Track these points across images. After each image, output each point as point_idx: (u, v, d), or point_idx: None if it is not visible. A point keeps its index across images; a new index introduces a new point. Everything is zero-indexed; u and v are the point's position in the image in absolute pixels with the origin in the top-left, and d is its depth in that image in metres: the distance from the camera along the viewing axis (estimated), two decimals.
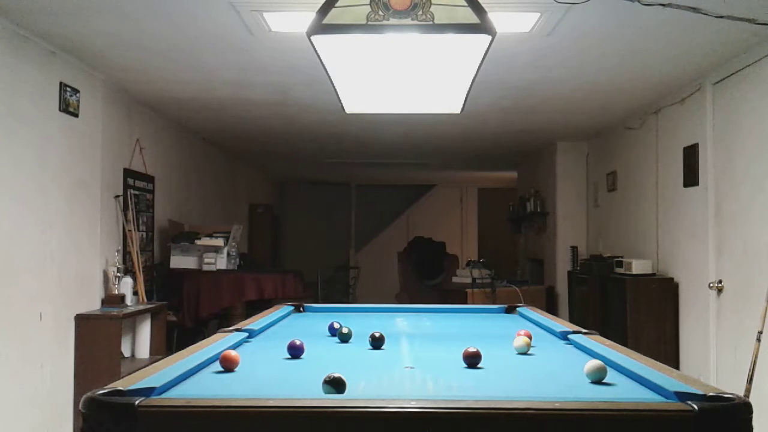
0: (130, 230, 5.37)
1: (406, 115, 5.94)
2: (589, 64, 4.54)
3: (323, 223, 12.96)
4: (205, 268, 6.27)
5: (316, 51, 2.50)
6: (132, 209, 5.43)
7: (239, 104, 5.81)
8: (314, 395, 1.74)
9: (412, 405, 1.60)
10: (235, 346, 2.49)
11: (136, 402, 1.59)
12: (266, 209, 10.49)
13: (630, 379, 2.01)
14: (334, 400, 1.68)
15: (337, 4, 2.27)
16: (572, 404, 1.62)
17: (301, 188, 13.06)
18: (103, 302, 4.91)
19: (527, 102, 5.68)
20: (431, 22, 2.26)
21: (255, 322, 3.09)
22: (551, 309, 7.20)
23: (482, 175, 11.66)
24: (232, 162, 9.14)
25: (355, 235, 13.28)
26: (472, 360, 2.21)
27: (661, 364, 2.13)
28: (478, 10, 2.27)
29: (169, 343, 5.67)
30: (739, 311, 4.30)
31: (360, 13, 2.26)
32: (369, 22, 2.26)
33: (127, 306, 4.94)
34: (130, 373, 1.99)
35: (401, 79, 2.92)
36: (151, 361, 4.95)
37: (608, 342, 2.59)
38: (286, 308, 3.75)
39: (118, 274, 4.98)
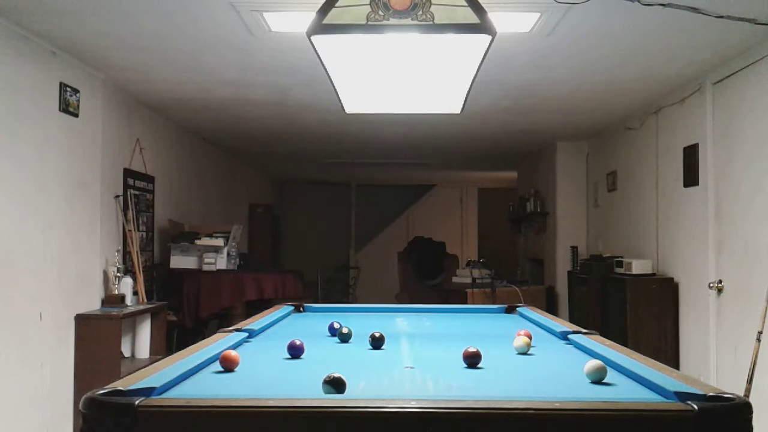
0: (130, 230, 5.37)
1: (406, 115, 5.94)
2: (589, 64, 4.53)
3: (323, 223, 12.96)
4: (205, 268, 6.27)
5: (316, 51, 2.50)
6: (132, 209, 5.43)
7: (239, 104, 5.81)
8: (314, 395, 1.74)
9: (412, 405, 1.60)
10: (235, 346, 2.49)
11: (136, 402, 1.59)
12: (266, 209, 10.49)
13: (630, 379, 2.01)
14: (334, 400, 1.68)
15: (337, 4, 2.27)
16: (572, 404, 1.62)
17: (301, 188, 13.06)
18: (103, 302, 4.91)
19: (527, 102, 5.68)
20: (431, 22, 2.26)
21: (255, 322, 3.09)
22: (551, 309, 7.20)
23: (482, 175, 11.66)
24: (232, 162, 9.14)
25: (355, 235, 13.28)
26: (472, 360, 2.21)
27: (661, 364, 2.13)
28: (478, 10, 2.27)
29: (169, 343, 5.67)
30: (739, 311, 4.30)
31: (360, 13, 2.26)
32: (369, 22, 2.26)
33: (127, 306, 4.94)
34: (130, 373, 1.99)
35: (401, 79, 2.91)
36: (151, 361, 4.95)
37: (608, 342, 2.59)
38: (286, 308, 3.75)
39: (118, 274, 4.98)
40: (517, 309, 3.85)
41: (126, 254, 5.36)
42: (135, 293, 5.26)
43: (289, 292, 6.39)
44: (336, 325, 2.91)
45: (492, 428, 1.58)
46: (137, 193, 5.67)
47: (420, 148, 8.50)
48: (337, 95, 3.14)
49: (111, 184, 5.14)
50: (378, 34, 2.30)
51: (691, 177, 4.98)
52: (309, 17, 2.36)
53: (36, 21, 3.74)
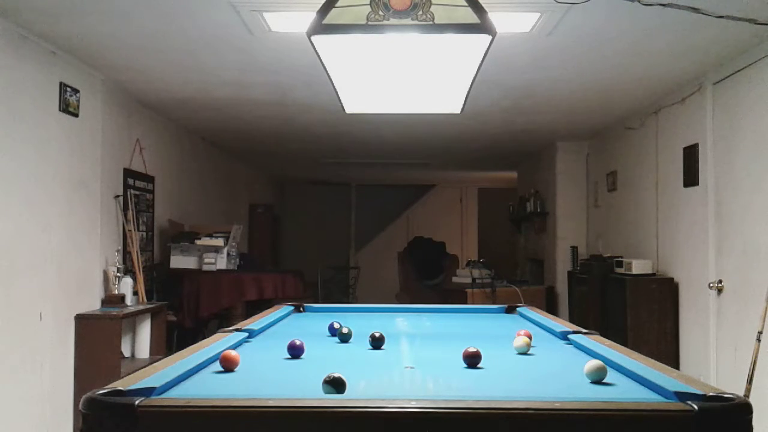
0: (130, 230, 5.37)
1: (406, 115, 5.94)
2: (589, 64, 4.53)
3: (323, 223, 12.96)
4: (205, 268, 6.27)
5: (316, 51, 2.50)
6: (132, 209, 5.43)
7: (239, 104, 5.81)
8: (314, 395, 1.74)
9: (412, 405, 1.60)
10: (235, 346, 2.49)
11: (136, 402, 1.59)
12: (266, 209, 10.49)
13: (630, 379, 2.01)
14: (334, 400, 1.68)
15: (337, 4, 2.27)
16: (572, 404, 1.62)
17: (301, 188, 13.06)
18: (103, 302, 4.91)
19: (527, 102, 5.68)
20: (431, 22, 2.26)
21: (255, 322, 3.09)
22: (551, 309, 7.20)
23: (482, 175, 11.65)
24: (232, 162, 9.14)
25: (355, 235, 13.28)
26: (472, 360, 2.21)
27: (661, 364, 2.13)
28: (478, 10, 2.27)
29: (169, 343, 5.67)
30: (739, 311, 4.30)
31: (360, 13, 2.26)
32: (369, 22, 2.26)
33: (127, 306, 4.94)
34: (130, 373, 1.99)
35: (401, 79, 2.91)
36: (151, 361, 4.95)
37: (608, 342, 2.59)
38: (286, 308, 3.75)
39: (118, 274, 4.98)
40: (517, 309, 3.85)
41: (126, 254, 5.36)
42: (135, 293, 5.26)
43: (289, 292, 6.39)
44: (336, 325, 2.91)
45: (492, 428, 1.58)
46: (137, 193, 5.67)
47: (420, 148, 8.50)
48: (337, 95, 3.14)
49: (111, 184, 5.14)
50: (378, 34, 2.30)
51: (691, 177, 4.98)
52: (309, 17, 2.36)
53: (36, 21, 3.74)
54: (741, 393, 3.24)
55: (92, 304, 4.78)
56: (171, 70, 4.73)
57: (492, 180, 12.07)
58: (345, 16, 2.27)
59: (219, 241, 6.33)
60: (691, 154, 4.99)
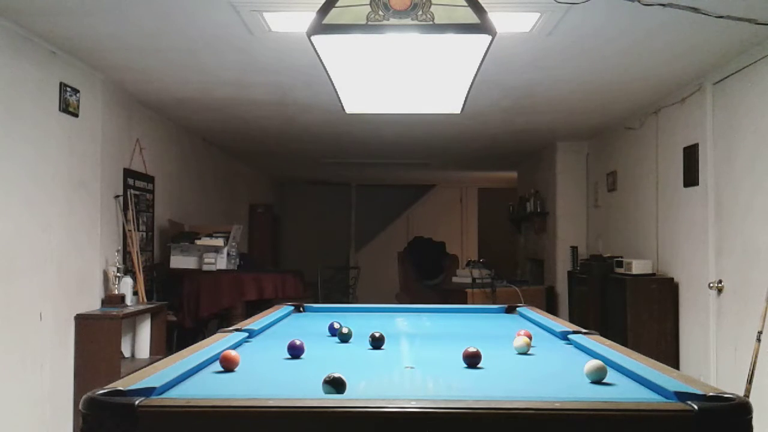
0: (130, 230, 5.37)
1: (406, 115, 5.94)
2: (589, 64, 4.54)
3: (323, 223, 12.96)
4: (205, 268, 6.27)
5: (316, 51, 2.50)
6: (132, 209, 5.43)
7: (239, 104, 5.81)
8: (314, 395, 1.74)
9: (412, 405, 1.60)
10: (235, 346, 2.49)
11: (136, 402, 1.59)
12: (266, 209, 10.49)
13: (630, 379, 2.01)
14: (334, 400, 1.68)
15: (337, 4, 2.27)
16: (572, 404, 1.62)
17: (301, 188, 13.06)
18: (103, 302, 4.91)
19: (527, 102, 5.68)
20: (431, 22, 2.26)
21: (255, 322, 3.09)
22: (551, 309, 7.20)
23: (482, 175, 11.65)
24: (232, 162, 9.14)
25: (355, 235, 13.28)
26: (472, 360, 2.21)
27: (661, 364, 2.13)
28: (478, 10, 2.27)
29: (169, 343, 5.67)
30: (739, 311, 4.30)
31: (360, 13, 2.26)
32: (369, 22, 2.26)
33: (127, 306, 4.94)
34: (130, 373, 1.99)
35: (401, 79, 2.91)
36: (151, 361, 4.95)
37: (608, 342, 2.59)
38: (286, 308, 3.75)
39: (118, 274, 4.98)
40: (517, 309, 3.85)
41: (126, 254, 5.36)
42: (135, 293, 5.26)
43: (289, 292, 6.39)
44: (336, 325, 2.91)
45: (492, 428, 1.58)
46: (137, 193, 5.67)
47: (420, 148, 8.50)
48: (337, 95, 3.14)
49: (111, 184, 5.14)
50: (378, 34, 2.30)
51: (691, 177, 4.98)
52: (309, 17, 2.36)
53: (36, 21, 3.74)
54: (741, 393, 3.24)
55: (92, 304, 4.78)
56: (171, 70, 4.73)
57: (492, 180, 12.07)
58: (345, 16, 2.27)
59: (219, 241, 6.33)
60: (691, 154, 4.99)
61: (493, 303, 5.90)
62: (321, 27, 2.28)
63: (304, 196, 13.07)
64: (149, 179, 5.95)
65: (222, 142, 7.96)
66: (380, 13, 2.25)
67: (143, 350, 5.22)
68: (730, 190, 4.46)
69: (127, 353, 5.19)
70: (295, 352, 2.37)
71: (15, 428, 3.90)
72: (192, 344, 2.50)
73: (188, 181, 7.19)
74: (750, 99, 4.21)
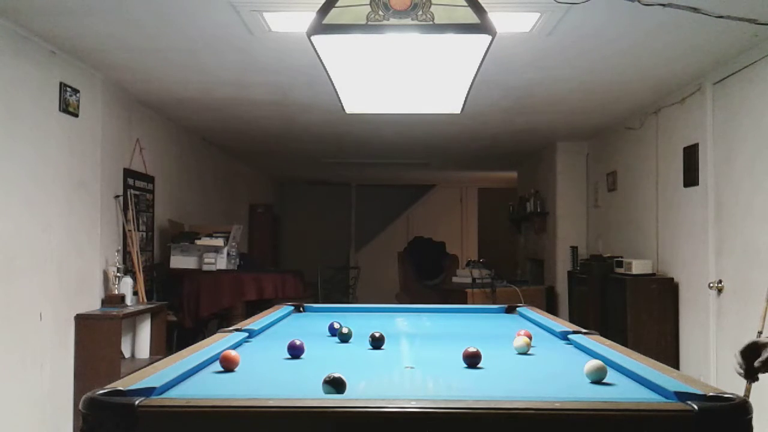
0: (130, 230, 5.37)
1: (406, 115, 5.94)
2: (589, 64, 4.54)
3: (323, 223, 12.96)
4: (205, 268, 6.27)
5: (316, 51, 2.50)
6: (132, 209, 5.43)
7: (239, 104, 5.81)
8: (314, 395, 1.74)
9: (412, 405, 1.60)
10: (235, 346, 2.49)
11: (136, 402, 1.59)
12: (266, 209, 10.49)
13: (630, 379, 2.01)
14: (334, 400, 1.68)
15: (337, 4, 2.27)
16: (572, 404, 1.62)
17: (301, 188, 13.06)
18: (103, 302, 4.91)
19: (527, 102, 5.68)
20: (431, 22, 2.26)
21: (255, 322, 3.09)
22: (551, 309, 7.20)
23: (482, 175, 11.65)
24: (232, 162, 9.14)
25: (355, 235, 13.28)
26: (472, 360, 2.21)
27: (661, 364, 2.13)
28: (478, 10, 2.27)
29: (169, 343, 5.67)
30: (739, 311, 4.30)
31: (360, 13, 2.26)
32: (369, 22, 2.26)
33: (127, 306, 4.94)
34: (130, 373, 1.99)
35: (401, 79, 2.92)
36: (151, 361, 4.95)
37: (608, 342, 2.59)
38: (286, 308, 3.75)
39: (118, 274, 4.98)
40: (517, 309, 3.85)
41: (126, 254, 5.36)
42: (135, 293, 5.26)
43: (289, 292, 6.39)
44: (336, 325, 2.91)
45: (492, 428, 1.58)
46: (137, 193, 5.67)
47: (420, 148, 8.50)
48: (337, 95, 3.14)
49: (111, 184, 5.14)
50: (378, 34, 2.30)
51: (691, 177, 4.98)
52: (309, 17, 2.36)
53: (36, 21, 3.74)
54: (741, 393, 3.24)
55: (92, 304, 4.78)
56: (171, 70, 4.73)
57: (492, 180, 12.07)
58: (345, 16, 2.27)
59: (219, 241, 6.33)
60: (691, 154, 4.99)
61: (493, 303, 5.90)
62: (321, 27, 2.28)
63: (304, 196, 13.07)
64: (149, 179, 5.95)
65: (222, 142, 7.96)
66: (380, 13, 2.25)
67: (143, 350, 5.22)
68: (730, 190, 4.46)
69: (127, 353, 5.19)
70: (295, 352, 2.37)
71: (15, 428, 3.90)
72: (192, 344, 2.50)
73: (188, 181, 7.19)
74: (750, 99, 4.21)
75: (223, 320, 6.20)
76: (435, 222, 13.00)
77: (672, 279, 5.32)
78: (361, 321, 3.25)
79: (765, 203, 4.03)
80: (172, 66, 4.61)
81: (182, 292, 6.14)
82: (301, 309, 3.88)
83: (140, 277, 5.38)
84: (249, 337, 2.78)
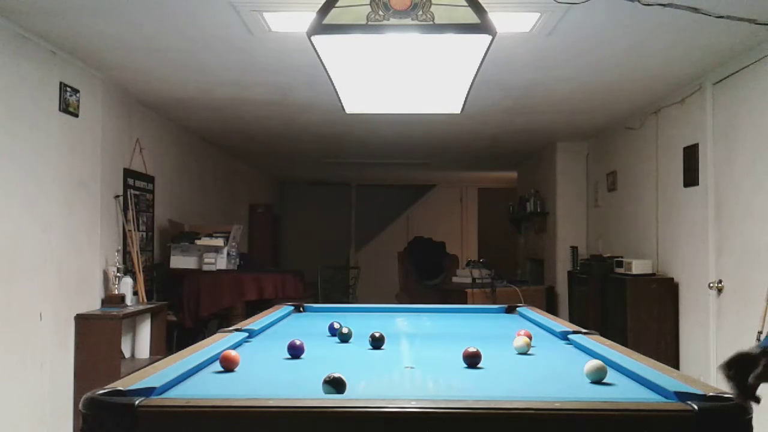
0: (130, 230, 5.37)
1: (407, 115, 5.94)
2: (589, 64, 4.53)
3: (323, 223, 12.96)
4: (205, 268, 6.27)
5: (316, 51, 2.50)
6: (132, 209, 5.43)
7: (239, 104, 5.81)
8: (314, 395, 1.74)
9: (412, 405, 1.60)
10: (235, 346, 2.49)
11: (136, 402, 1.59)
12: (266, 209, 10.49)
13: (630, 379, 2.01)
14: (334, 400, 1.68)
15: (337, 4, 2.27)
16: (572, 404, 1.62)
17: (301, 188, 13.06)
18: (103, 302, 4.91)
19: (527, 102, 5.68)
20: (431, 22, 2.26)
21: (255, 322, 3.09)
22: (551, 309, 7.20)
23: (482, 175, 11.65)
24: (232, 162, 9.14)
25: (355, 235, 13.27)
26: (472, 360, 2.21)
27: (661, 364, 2.13)
28: (478, 10, 2.27)
29: (169, 343, 5.67)
30: (739, 311, 4.30)
31: (360, 13, 2.26)
32: (369, 22, 2.26)
33: (127, 306, 4.94)
34: (130, 373, 1.99)
35: (401, 79, 2.92)
36: (151, 361, 4.95)
37: (608, 342, 2.59)
38: (286, 308, 3.75)
39: (118, 274, 4.98)
40: (517, 309, 3.85)
41: (126, 254, 5.36)
42: (135, 293, 5.26)
43: (289, 292, 6.39)
44: (336, 325, 2.91)
45: (492, 428, 1.58)
46: (137, 193, 5.67)
47: (420, 148, 8.50)
48: (337, 95, 3.14)
49: (111, 184, 5.14)
50: (378, 34, 2.30)
51: (691, 177, 4.98)
52: (309, 17, 2.36)
53: (36, 21, 3.74)
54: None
55: (92, 304, 4.78)
56: (171, 70, 4.73)
57: (492, 180, 12.07)
58: (345, 16, 2.27)
59: (219, 241, 6.33)
60: (691, 154, 4.99)
61: (493, 303, 5.90)
62: (321, 27, 2.28)
63: (304, 196, 13.07)
64: (149, 179, 5.95)
65: (222, 142, 7.96)
66: (380, 13, 2.25)
67: (143, 350, 5.22)
68: (730, 190, 4.46)
69: (127, 353, 5.19)
70: (295, 352, 2.38)
71: (15, 428, 3.90)
72: (192, 344, 2.50)
73: (188, 181, 7.19)
74: (750, 99, 4.21)
75: (223, 320, 6.20)
76: (435, 222, 13.00)
77: (672, 279, 5.32)
78: (361, 321, 3.25)
79: (765, 203, 4.03)
80: (172, 66, 4.61)
81: (182, 292, 6.14)
82: (301, 309, 3.88)
83: (140, 277, 5.38)
84: (249, 337, 2.78)
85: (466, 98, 3.18)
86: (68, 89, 4.38)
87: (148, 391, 1.70)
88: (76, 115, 4.51)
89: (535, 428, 1.57)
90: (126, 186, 5.43)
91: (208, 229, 6.56)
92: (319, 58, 2.58)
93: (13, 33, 3.80)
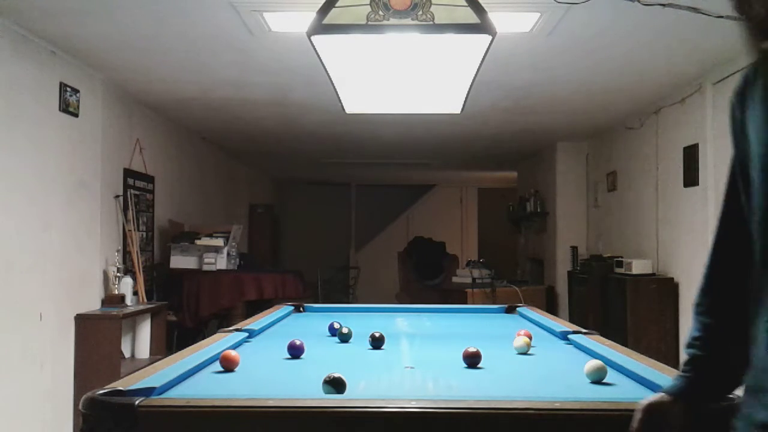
0: (130, 230, 5.37)
1: (406, 115, 5.94)
2: (589, 64, 4.53)
3: (323, 223, 12.95)
4: (205, 268, 6.26)
5: (316, 51, 2.50)
6: (132, 209, 5.43)
7: (239, 104, 5.80)
8: (314, 395, 1.74)
9: (412, 405, 1.60)
10: (235, 346, 2.49)
11: (136, 402, 1.59)
12: (266, 209, 10.49)
13: (630, 379, 2.01)
14: (334, 400, 1.68)
15: (337, 4, 2.27)
16: (572, 404, 1.62)
17: (301, 188, 13.05)
18: (103, 302, 4.90)
19: (527, 102, 5.68)
20: (431, 22, 2.26)
21: (255, 322, 3.09)
22: (551, 309, 7.20)
23: (482, 175, 11.65)
24: (232, 162, 9.14)
25: (355, 235, 13.27)
26: (472, 360, 2.21)
27: (661, 364, 2.13)
28: (478, 10, 2.27)
29: (169, 343, 5.67)
30: None
31: (360, 13, 2.26)
32: (369, 22, 2.26)
33: (127, 306, 4.94)
34: (130, 373, 1.99)
35: (401, 79, 2.92)
36: (151, 361, 4.94)
37: (608, 342, 2.59)
38: (286, 308, 3.75)
39: (118, 274, 4.98)
40: (517, 309, 3.85)
41: (126, 254, 5.36)
42: (135, 293, 5.26)
43: (289, 292, 6.39)
44: (336, 325, 2.91)
45: (492, 428, 1.58)
46: (137, 193, 5.66)
47: (420, 148, 8.50)
48: (337, 95, 3.15)
49: (111, 184, 5.14)
50: (378, 34, 2.30)
51: (691, 177, 4.98)
52: (309, 17, 2.36)
53: (36, 21, 3.74)
54: (741, 393, 3.24)
55: (92, 304, 4.78)
56: (171, 70, 4.73)
57: (492, 180, 12.07)
58: (345, 16, 2.27)
59: (219, 241, 6.33)
60: (691, 154, 4.99)
61: (493, 303, 5.90)
62: (321, 27, 2.28)
63: (304, 196, 13.06)
64: (149, 179, 5.95)
65: (222, 142, 7.96)
66: (380, 13, 2.25)
67: (143, 350, 5.22)
68: None
69: (127, 353, 5.19)
70: (295, 352, 2.38)
71: (15, 428, 3.90)
72: (192, 344, 2.50)
73: (188, 181, 7.19)
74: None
75: (223, 320, 6.20)
76: (435, 222, 13.00)
77: (672, 279, 5.32)
78: (361, 321, 3.25)
79: None
80: (171, 66, 4.61)
81: (182, 292, 6.14)
82: (301, 309, 3.88)
83: (140, 277, 5.38)
84: (249, 337, 2.78)
85: (466, 98, 3.18)
86: (68, 89, 4.38)
87: (148, 391, 1.70)
88: (76, 115, 4.51)
89: (535, 428, 1.57)
90: (126, 186, 5.43)
91: (208, 229, 6.56)
92: (319, 58, 2.58)
93: (13, 33, 3.80)
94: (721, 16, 3.44)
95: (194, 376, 2.04)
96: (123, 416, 1.57)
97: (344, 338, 2.76)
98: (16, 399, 3.89)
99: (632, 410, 1.60)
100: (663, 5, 3.27)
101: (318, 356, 2.42)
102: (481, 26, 2.27)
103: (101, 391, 1.65)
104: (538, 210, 8.42)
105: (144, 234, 5.84)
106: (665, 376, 1.91)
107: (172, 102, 5.74)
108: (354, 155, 9.14)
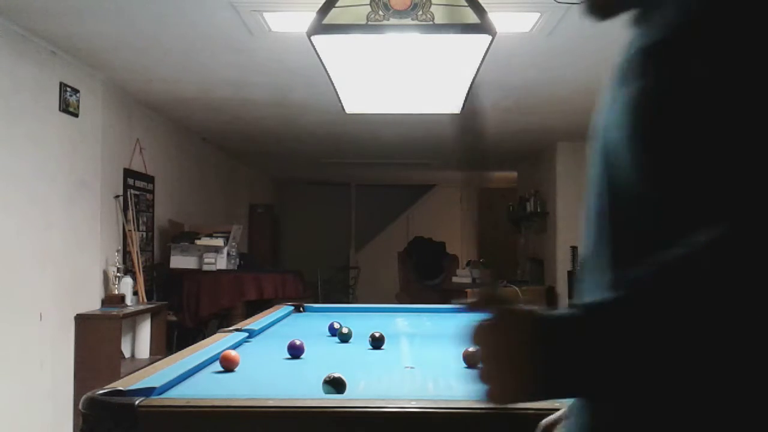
0: (130, 230, 5.37)
1: (406, 115, 5.94)
2: (589, 64, 4.53)
3: (323, 223, 12.95)
4: (205, 268, 6.26)
5: (316, 51, 2.50)
6: (132, 209, 5.43)
7: (239, 104, 5.80)
8: (314, 395, 1.74)
9: (412, 405, 1.60)
10: (235, 346, 2.49)
11: (136, 402, 1.59)
12: (266, 209, 10.49)
13: None
14: (334, 400, 1.68)
15: (337, 4, 2.27)
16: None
17: (301, 188, 13.05)
18: (103, 302, 4.90)
19: (527, 102, 5.68)
20: (431, 22, 2.26)
21: (255, 322, 3.09)
22: None
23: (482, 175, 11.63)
24: (232, 162, 9.14)
25: (355, 235, 13.27)
26: (472, 360, 2.21)
27: None
28: (478, 10, 2.27)
29: (169, 343, 5.67)
30: None
31: (360, 13, 2.26)
32: (369, 22, 2.26)
33: (127, 306, 4.94)
34: (130, 373, 1.99)
35: (401, 79, 2.92)
36: (151, 361, 4.94)
37: None
38: (286, 308, 3.75)
39: (118, 274, 4.98)
40: None
41: (126, 254, 5.36)
42: (135, 293, 5.26)
43: (289, 292, 6.39)
44: (336, 325, 2.91)
45: (492, 428, 1.58)
46: (137, 193, 5.66)
47: (420, 148, 8.49)
48: (337, 95, 3.14)
49: (111, 184, 5.14)
50: (378, 34, 2.30)
51: None
52: (309, 17, 2.36)
53: (36, 21, 3.74)
54: None
55: (92, 304, 4.78)
56: (171, 70, 4.73)
57: (492, 180, 12.06)
58: (345, 16, 2.27)
59: (219, 241, 6.33)
60: None
61: None
62: (321, 27, 2.28)
63: (304, 196, 13.06)
64: (149, 179, 5.95)
65: (222, 142, 7.96)
66: (380, 13, 2.25)
67: (143, 350, 5.22)
68: None
69: (127, 353, 5.19)
70: (295, 352, 2.38)
71: (15, 428, 3.90)
72: (192, 344, 2.50)
73: (188, 181, 7.19)
74: None
75: (223, 320, 6.20)
76: (435, 222, 12.99)
77: None
78: (361, 321, 3.25)
79: None
80: (172, 66, 4.61)
81: (182, 292, 6.14)
82: (301, 309, 3.88)
83: (140, 277, 5.38)
84: (249, 337, 2.78)
85: (466, 98, 3.17)
86: (68, 89, 4.38)
87: (148, 391, 1.70)
88: (76, 115, 4.51)
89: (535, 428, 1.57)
90: (126, 186, 5.43)
91: (208, 229, 6.56)
92: (319, 58, 2.58)
93: (13, 33, 3.80)
94: None
95: (194, 376, 2.04)
96: (123, 416, 1.57)
97: (344, 338, 2.76)
98: (16, 399, 3.89)
99: None
100: None
101: (318, 356, 2.42)
102: (481, 26, 2.27)
103: (101, 391, 1.65)
104: (538, 210, 8.42)
105: (144, 234, 5.84)
106: None
107: (172, 102, 5.74)
108: (354, 155, 9.13)
